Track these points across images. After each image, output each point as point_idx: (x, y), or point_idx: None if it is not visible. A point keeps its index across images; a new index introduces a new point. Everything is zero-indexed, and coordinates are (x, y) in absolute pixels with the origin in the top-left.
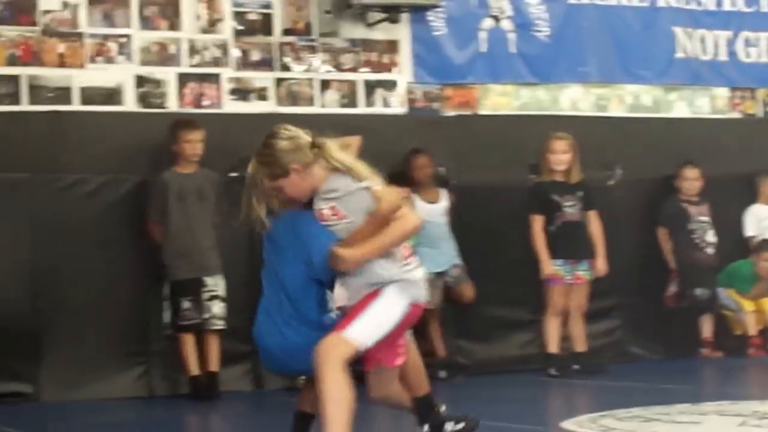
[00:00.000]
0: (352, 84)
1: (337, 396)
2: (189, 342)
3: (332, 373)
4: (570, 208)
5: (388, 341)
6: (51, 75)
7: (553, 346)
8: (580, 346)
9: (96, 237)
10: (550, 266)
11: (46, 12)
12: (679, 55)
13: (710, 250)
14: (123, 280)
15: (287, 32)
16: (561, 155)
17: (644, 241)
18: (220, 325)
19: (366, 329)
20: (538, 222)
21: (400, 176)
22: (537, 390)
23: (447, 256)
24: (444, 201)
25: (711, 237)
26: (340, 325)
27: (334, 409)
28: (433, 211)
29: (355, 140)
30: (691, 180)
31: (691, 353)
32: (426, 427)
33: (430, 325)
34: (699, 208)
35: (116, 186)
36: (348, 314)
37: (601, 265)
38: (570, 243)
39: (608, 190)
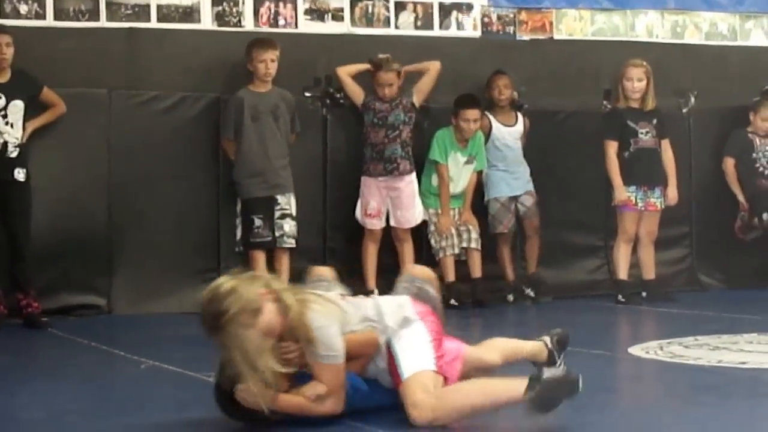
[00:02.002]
0: (426, 6)
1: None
2: (260, 259)
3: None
4: (645, 135)
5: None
6: None
7: (622, 273)
8: (649, 273)
9: (171, 153)
10: (623, 192)
11: None
12: None
13: None
14: (197, 197)
15: None
16: (637, 82)
17: (717, 171)
18: (290, 243)
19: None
20: (612, 147)
21: (471, 99)
22: (604, 316)
23: (521, 180)
24: (520, 125)
25: None
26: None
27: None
28: (509, 134)
29: (433, 65)
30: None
31: (761, 283)
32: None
33: (500, 249)
34: (766, 140)
35: (192, 103)
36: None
37: (673, 193)
38: (643, 169)
39: (682, 118)
